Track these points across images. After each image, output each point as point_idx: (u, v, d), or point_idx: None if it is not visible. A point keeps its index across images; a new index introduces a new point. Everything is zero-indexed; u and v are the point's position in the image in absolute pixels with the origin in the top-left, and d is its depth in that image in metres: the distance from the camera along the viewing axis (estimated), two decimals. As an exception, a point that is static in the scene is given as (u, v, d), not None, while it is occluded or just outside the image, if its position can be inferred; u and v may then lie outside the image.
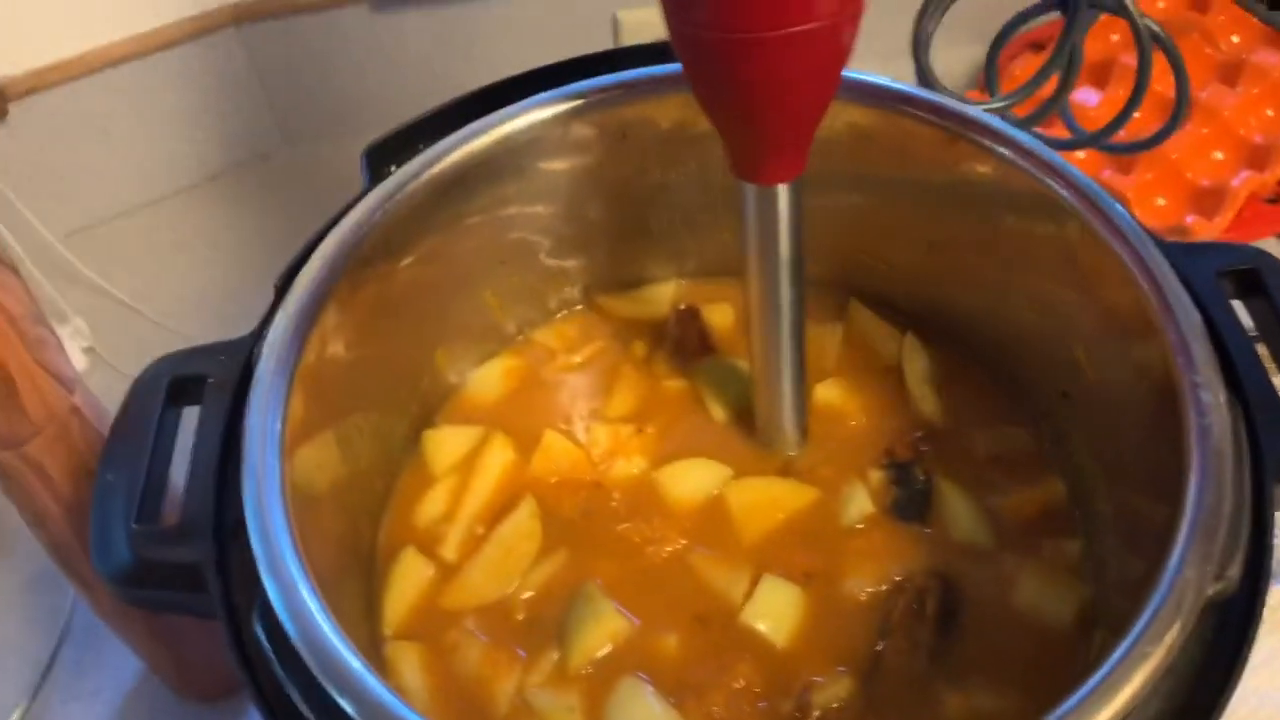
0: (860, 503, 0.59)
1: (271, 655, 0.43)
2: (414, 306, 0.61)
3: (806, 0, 0.43)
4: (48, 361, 0.55)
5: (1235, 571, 0.42)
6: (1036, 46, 1.04)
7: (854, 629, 0.55)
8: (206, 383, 0.52)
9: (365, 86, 1.03)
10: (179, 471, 0.50)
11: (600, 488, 0.61)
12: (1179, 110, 0.65)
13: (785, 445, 0.62)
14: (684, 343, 0.67)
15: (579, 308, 0.71)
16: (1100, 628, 0.53)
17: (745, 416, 0.64)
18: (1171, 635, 0.39)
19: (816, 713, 0.52)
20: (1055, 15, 0.74)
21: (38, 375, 0.54)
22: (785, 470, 0.61)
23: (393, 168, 0.59)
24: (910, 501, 0.59)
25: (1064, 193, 0.54)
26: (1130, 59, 0.98)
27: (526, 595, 0.57)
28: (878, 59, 0.58)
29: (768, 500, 0.60)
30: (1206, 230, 0.90)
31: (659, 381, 0.66)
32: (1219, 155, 0.95)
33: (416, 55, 1.03)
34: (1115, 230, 0.52)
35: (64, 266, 0.92)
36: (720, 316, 0.69)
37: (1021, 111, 0.66)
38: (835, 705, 0.52)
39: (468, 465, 0.62)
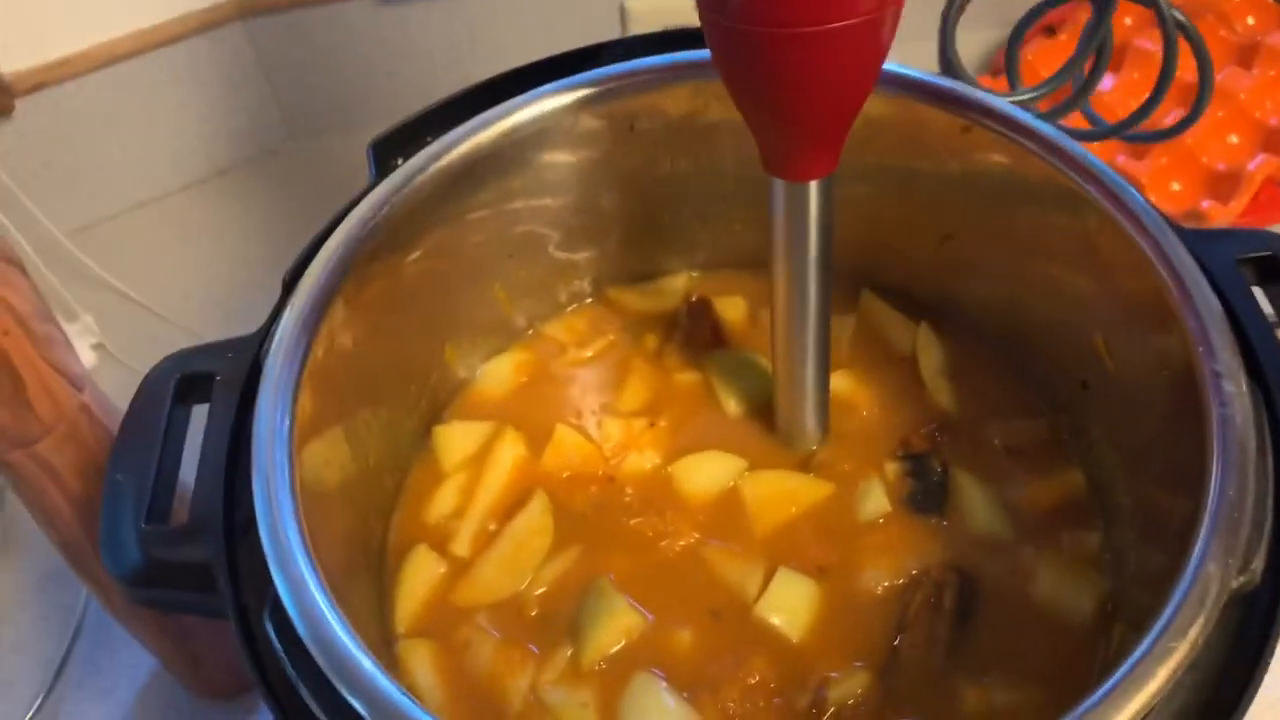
0: (876, 496, 0.59)
1: (283, 655, 0.43)
2: (422, 301, 0.61)
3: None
4: (56, 360, 0.55)
5: (1259, 564, 0.41)
6: (1049, 31, 1.03)
7: (870, 623, 0.55)
8: (215, 380, 0.52)
9: (371, 79, 1.03)
10: (189, 470, 0.50)
11: (613, 482, 0.61)
12: (1202, 97, 0.64)
13: (806, 442, 0.61)
14: (696, 335, 0.67)
15: (589, 301, 0.71)
16: (1120, 621, 0.52)
17: (759, 410, 0.63)
18: (1195, 630, 0.39)
19: (833, 708, 0.52)
20: (1075, -1, 0.73)
21: (46, 374, 0.54)
22: (803, 465, 0.61)
23: (399, 161, 0.58)
24: (927, 494, 0.59)
25: (1082, 182, 0.53)
26: (1145, 42, 0.97)
27: (539, 591, 0.57)
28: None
29: (783, 494, 0.60)
30: (1222, 215, 0.89)
31: (671, 375, 0.66)
32: (1234, 139, 0.94)
33: (422, 47, 1.02)
34: (1134, 219, 0.51)
35: (72, 263, 0.92)
36: (732, 309, 0.69)
37: (1044, 105, 0.65)
38: (851, 701, 0.52)
39: (478, 461, 0.62)
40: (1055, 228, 0.56)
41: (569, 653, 0.55)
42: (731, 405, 0.64)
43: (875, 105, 0.59)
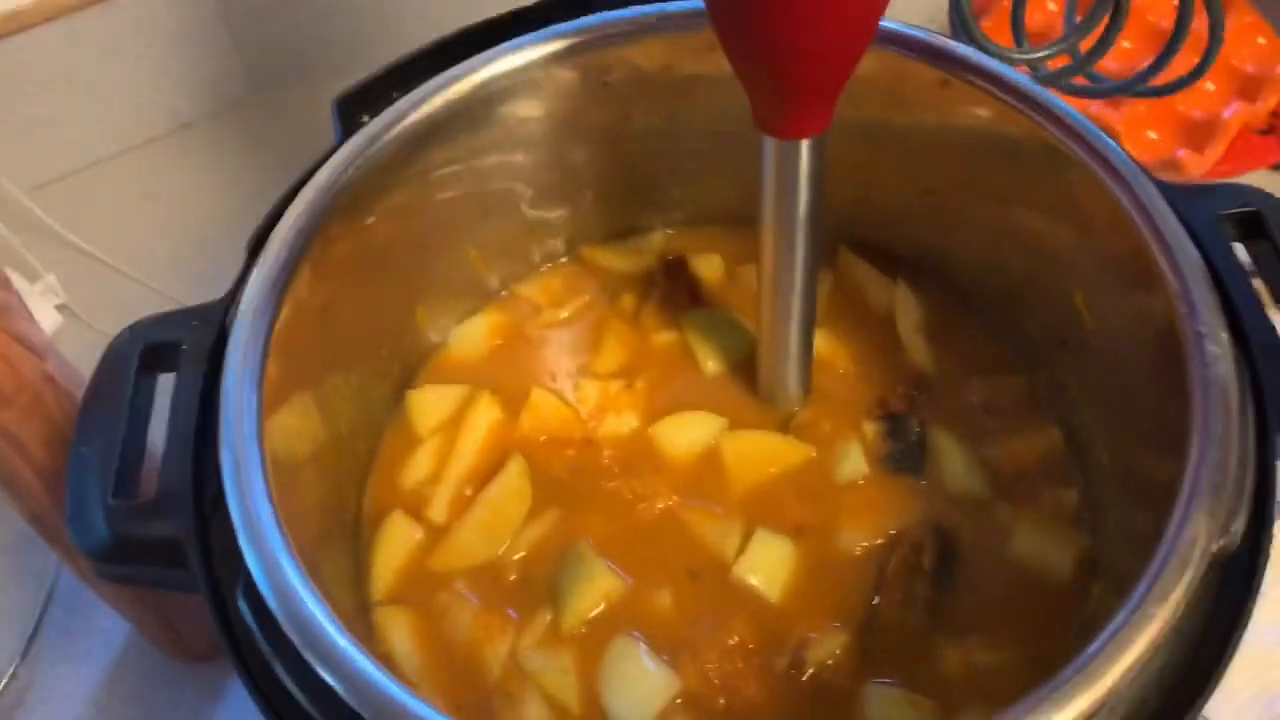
0: (855, 458, 0.58)
1: (256, 630, 0.42)
2: (392, 264, 0.59)
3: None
4: (16, 329, 0.53)
5: (1239, 526, 0.41)
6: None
7: (849, 583, 0.55)
8: (180, 350, 0.50)
9: (335, 27, 1.00)
10: (157, 438, 0.49)
11: (590, 445, 0.61)
12: (1213, 48, 0.62)
13: (788, 401, 0.61)
14: (673, 295, 0.66)
15: (564, 260, 0.69)
16: (1099, 580, 0.52)
17: (738, 369, 0.63)
18: (1177, 594, 0.39)
19: (811, 668, 0.52)
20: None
21: (6, 344, 0.52)
22: (783, 426, 0.61)
23: (365, 118, 0.57)
24: (905, 454, 0.59)
25: (1063, 137, 0.52)
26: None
27: (517, 556, 0.57)
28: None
29: (763, 453, 0.59)
30: (1198, 164, 0.88)
31: (648, 335, 0.65)
32: (1210, 86, 0.93)
33: (388, -6, 0.99)
34: (1116, 174, 0.50)
35: (32, 222, 0.89)
36: (709, 267, 0.68)
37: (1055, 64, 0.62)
38: (830, 661, 0.52)
39: (453, 425, 0.61)
40: (1036, 183, 0.55)
41: (548, 617, 0.54)
42: (710, 365, 0.63)
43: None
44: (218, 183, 0.97)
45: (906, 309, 0.64)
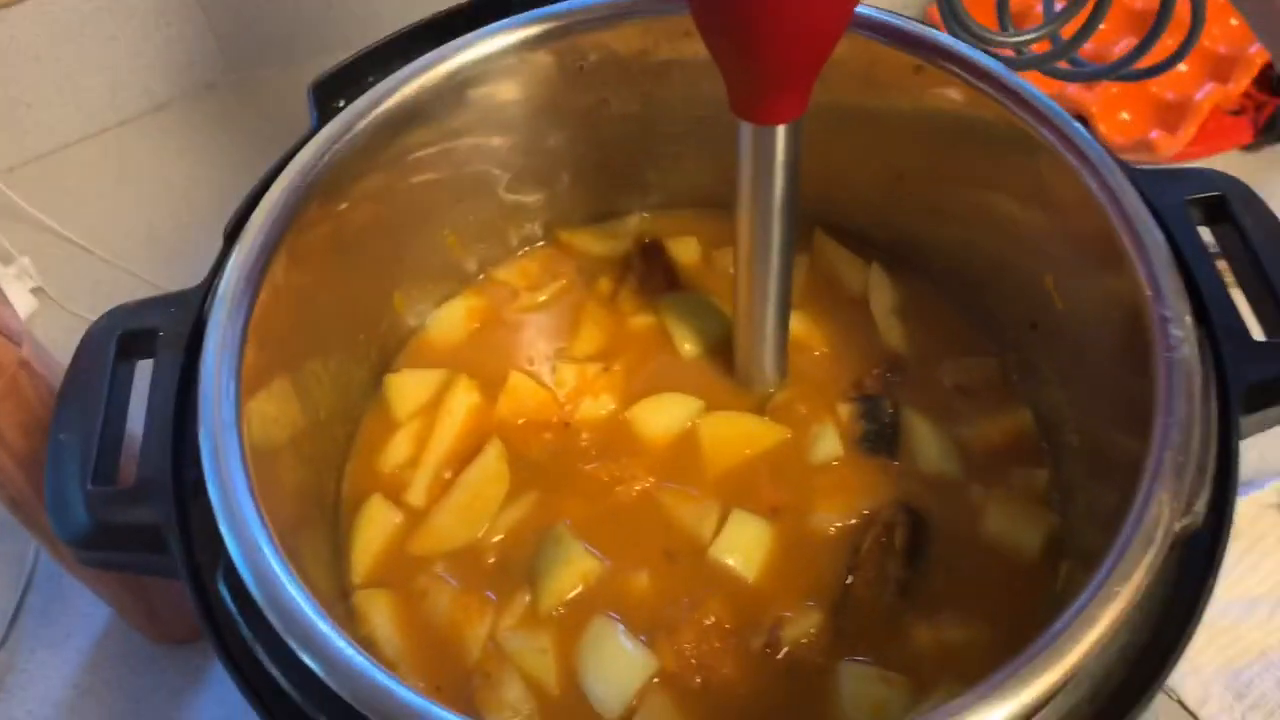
0: (829, 439, 0.59)
1: (237, 615, 0.42)
2: (369, 249, 0.59)
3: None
4: (-10, 316, 0.53)
5: (1201, 505, 0.42)
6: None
7: (823, 563, 0.55)
8: (158, 337, 0.50)
9: (309, 7, 0.99)
10: (135, 425, 0.49)
11: (568, 428, 0.61)
12: (1195, 29, 0.62)
13: (764, 384, 0.61)
14: (649, 278, 0.66)
15: (541, 244, 0.70)
16: (1068, 558, 0.53)
17: (714, 351, 0.63)
18: (1140, 572, 0.39)
19: (786, 647, 0.53)
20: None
21: (-20, 331, 0.52)
22: (759, 408, 0.61)
23: (341, 103, 0.57)
24: (879, 435, 0.59)
25: (1033, 122, 0.53)
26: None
27: (496, 539, 0.57)
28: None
29: (739, 434, 0.60)
30: (1170, 145, 0.89)
31: (625, 318, 0.65)
32: (1183, 67, 0.93)
33: (363, -26, 0.99)
34: (1085, 159, 0.51)
35: (6, 204, 0.89)
36: (685, 250, 0.68)
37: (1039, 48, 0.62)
38: (805, 640, 0.53)
39: (431, 409, 0.62)
40: (1007, 168, 0.56)
41: (527, 599, 0.55)
42: (687, 347, 0.64)
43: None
44: (193, 164, 0.96)
45: (881, 292, 0.65)
